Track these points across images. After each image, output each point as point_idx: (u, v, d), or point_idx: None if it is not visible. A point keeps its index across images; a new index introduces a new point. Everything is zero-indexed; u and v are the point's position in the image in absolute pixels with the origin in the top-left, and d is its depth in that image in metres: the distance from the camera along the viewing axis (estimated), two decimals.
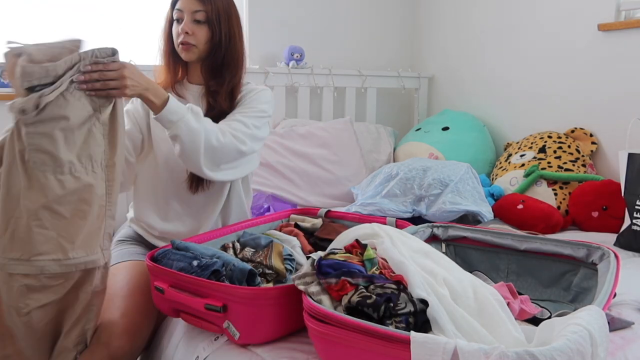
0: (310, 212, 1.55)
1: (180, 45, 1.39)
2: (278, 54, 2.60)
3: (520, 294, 1.04)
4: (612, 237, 1.71)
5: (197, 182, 1.40)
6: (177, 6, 1.40)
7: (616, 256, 1.05)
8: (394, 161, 2.58)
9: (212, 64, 1.42)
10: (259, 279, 1.07)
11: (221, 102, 1.41)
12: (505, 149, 2.52)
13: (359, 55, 2.90)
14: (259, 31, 2.58)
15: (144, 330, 1.22)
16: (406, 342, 0.71)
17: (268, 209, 1.99)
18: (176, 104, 1.22)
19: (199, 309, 1.00)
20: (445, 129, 2.60)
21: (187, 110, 1.24)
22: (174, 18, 1.41)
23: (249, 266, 1.06)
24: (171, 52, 1.44)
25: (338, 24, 2.83)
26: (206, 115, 1.37)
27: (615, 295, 1.00)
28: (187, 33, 1.37)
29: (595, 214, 1.89)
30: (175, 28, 1.41)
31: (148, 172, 1.47)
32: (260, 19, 2.57)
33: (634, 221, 1.62)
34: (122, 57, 1.12)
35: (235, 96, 1.45)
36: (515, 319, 0.89)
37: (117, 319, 1.18)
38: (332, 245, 1.03)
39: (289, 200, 2.15)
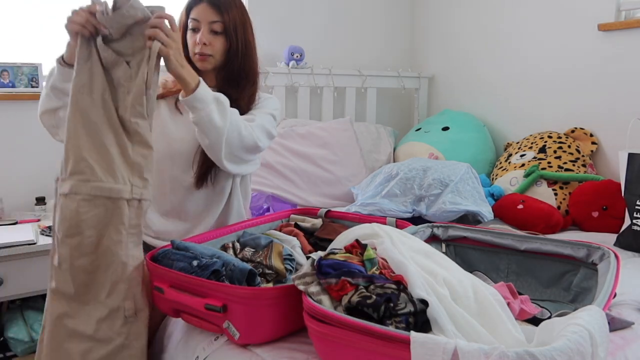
0: (310, 212, 1.55)
1: (196, 55, 1.38)
2: (278, 54, 2.60)
3: (520, 294, 1.04)
4: (612, 237, 1.71)
5: (202, 179, 1.41)
6: (192, 15, 1.38)
7: (616, 256, 1.05)
8: (394, 161, 2.58)
9: (229, 74, 1.42)
10: (259, 279, 1.07)
11: (243, 108, 1.42)
12: (505, 149, 2.51)
13: (359, 55, 2.90)
14: (259, 31, 2.53)
15: None
16: (406, 342, 0.70)
17: (268, 209, 1.99)
18: (204, 93, 1.22)
19: (199, 309, 1.00)
20: (445, 129, 2.60)
21: (213, 101, 1.23)
22: (190, 27, 1.39)
23: (249, 266, 1.06)
24: (185, 58, 1.44)
25: (338, 24, 2.83)
26: None
27: (615, 295, 1.00)
28: (204, 44, 1.37)
29: (595, 214, 1.89)
30: (192, 37, 1.39)
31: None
32: (260, 19, 2.57)
33: (634, 221, 1.62)
34: None
35: (253, 102, 1.46)
36: (515, 319, 0.89)
37: None
38: (332, 245, 1.03)
39: (289, 200, 2.15)
